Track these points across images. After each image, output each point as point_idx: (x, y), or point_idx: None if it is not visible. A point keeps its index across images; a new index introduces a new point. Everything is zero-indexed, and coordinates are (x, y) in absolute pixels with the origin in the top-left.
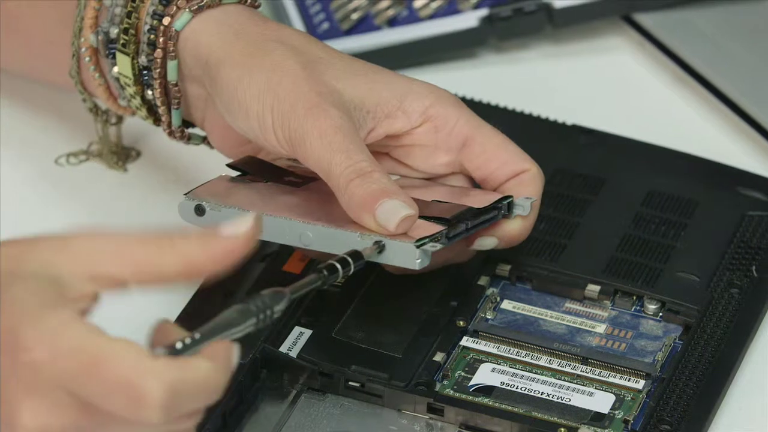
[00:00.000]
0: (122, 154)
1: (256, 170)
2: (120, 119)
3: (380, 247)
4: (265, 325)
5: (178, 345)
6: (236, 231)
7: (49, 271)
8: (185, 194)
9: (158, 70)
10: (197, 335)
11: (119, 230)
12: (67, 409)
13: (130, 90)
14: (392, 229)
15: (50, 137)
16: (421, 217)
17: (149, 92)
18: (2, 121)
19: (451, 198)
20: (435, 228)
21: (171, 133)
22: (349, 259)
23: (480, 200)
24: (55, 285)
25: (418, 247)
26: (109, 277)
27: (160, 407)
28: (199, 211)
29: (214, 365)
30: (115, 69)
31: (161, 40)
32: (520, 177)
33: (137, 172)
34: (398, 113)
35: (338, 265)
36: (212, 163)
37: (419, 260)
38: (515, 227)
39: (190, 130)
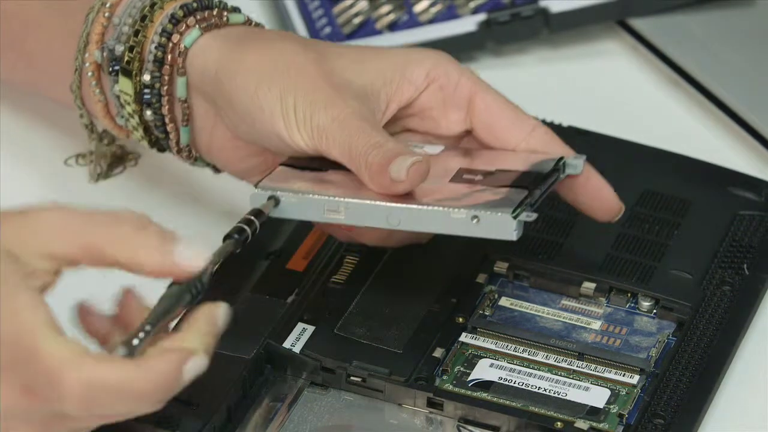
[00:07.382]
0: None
1: (308, 165)
2: (113, 140)
3: (476, 219)
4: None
5: (135, 342)
6: (189, 256)
7: (8, 247)
8: (256, 185)
9: (165, 87)
10: (148, 327)
11: (79, 208)
12: (12, 391)
13: (129, 108)
14: (404, 178)
15: (60, 138)
16: (494, 186)
17: (148, 112)
18: (13, 121)
19: (496, 161)
20: (515, 195)
21: (179, 152)
22: (253, 218)
23: (524, 160)
24: (14, 262)
25: (515, 218)
26: (64, 256)
27: (78, 401)
28: (274, 201)
29: (145, 374)
30: (117, 87)
31: (169, 57)
32: (535, 135)
33: (142, 171)
34: (404, 84)
35: (245, 226)
36: None
37: (516, 231)
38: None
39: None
